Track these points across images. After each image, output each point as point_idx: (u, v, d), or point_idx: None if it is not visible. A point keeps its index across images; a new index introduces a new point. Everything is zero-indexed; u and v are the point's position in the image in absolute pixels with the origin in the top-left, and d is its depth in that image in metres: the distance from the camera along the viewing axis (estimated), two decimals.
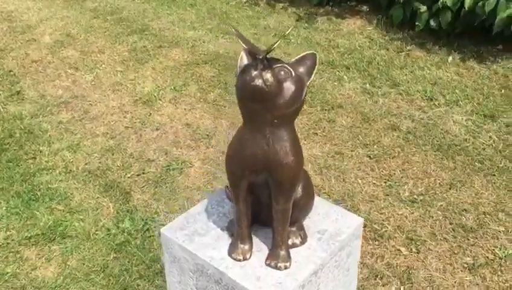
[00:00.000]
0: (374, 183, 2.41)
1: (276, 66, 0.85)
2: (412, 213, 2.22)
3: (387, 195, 2.33)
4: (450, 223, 2.16)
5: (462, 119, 2.83)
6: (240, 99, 0.90)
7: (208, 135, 2.83)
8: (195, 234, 1.16)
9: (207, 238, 1.14)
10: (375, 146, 2.65)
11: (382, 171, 2.48)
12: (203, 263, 1.07)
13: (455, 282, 1.91)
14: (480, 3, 3.33)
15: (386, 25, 4.02)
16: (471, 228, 2.13)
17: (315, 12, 4.37)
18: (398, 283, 1.91)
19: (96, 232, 2.23)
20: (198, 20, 4.32)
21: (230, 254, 1.08)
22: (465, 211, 2.21)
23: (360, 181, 2.42)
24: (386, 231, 2.13)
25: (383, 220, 2.19)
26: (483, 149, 2.59)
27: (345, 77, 3.33)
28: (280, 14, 4.42)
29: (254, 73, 0.83)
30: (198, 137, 2.82)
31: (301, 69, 0.92)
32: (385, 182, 2.41)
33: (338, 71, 3.40)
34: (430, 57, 3.55)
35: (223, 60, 3.59)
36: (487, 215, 2.18)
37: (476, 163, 2.49)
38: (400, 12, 3.88)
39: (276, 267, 1.03)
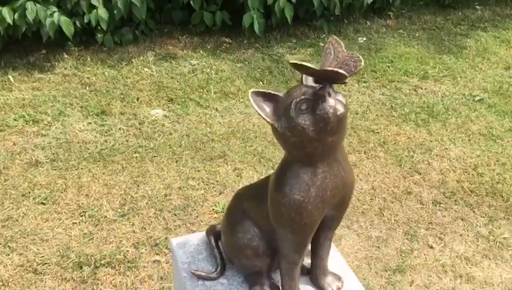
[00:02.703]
0: (74, 223, 2.16)
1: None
2: (132, 225, 2.17)
3: (96, 225, 2.16)
4: (160, 211, 2.24)
5: (84, 124, 2.81)
6: (321, 135, 0.74)
7: None
8: None
9: None
10: (38, 190, 2.31)
11: (70, 207, 2.23)
12: None
13: None
14: None
15: None
16: (179, 206, 2.28)
17: None
18: None
19: None
20: None
21: None
22: (166, 195, 2.34)
23: (68, 232, 2.12)
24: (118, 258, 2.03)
25: (117, 251, 2.06)
26: (113, 145, 2.71)
27: None
28: None
29: (332, 102, 0.69)
30: None
31: None
32: (82, 215, 2.20)
33: None
34: None
35: None
36: (174, 190, 2.39)
37: (131, 159, 2.60)
38: None
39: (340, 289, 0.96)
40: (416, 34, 4.18)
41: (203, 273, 1.05)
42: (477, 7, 4.88)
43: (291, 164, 0.86)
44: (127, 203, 2.29)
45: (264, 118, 0.83)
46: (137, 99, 3.08)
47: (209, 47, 3.78)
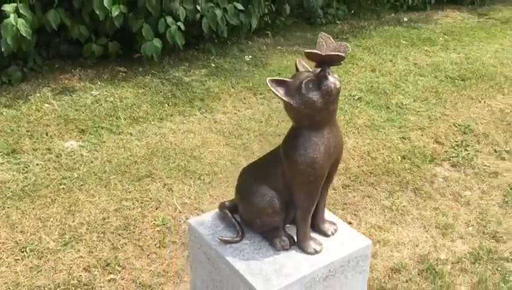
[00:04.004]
0: (16, 259, 2.13)
1: None
2: (78, 251, 2.20)
3: (40, 258, 2.15)
4: (103, 233, 2.30)
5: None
6: (327, 105, 1.00)
7: None
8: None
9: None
10: None
11: (7, 246, 2.19)
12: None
13: None
14: None
15: None
16: (120, 226, 2.36)
17: None
18: None
19: None
20: None
21: (313, 251, 1.20)
22: (104, 218, 2.39)
23: (12, 269, 2.07)
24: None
25: (69, 277, 2.08)
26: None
27: None
28: None
29: (332, 79, 0.93)
30: None
31: None
32: (23, 251, 2.17)
33: None
34: None
35: None
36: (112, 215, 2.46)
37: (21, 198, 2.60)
38: None
39: (336, 231, 1.28)
40: (294, 49, 4.67)
41: (228, 238, 1.23)
42: (338, 22, 5.57)
43: (302, 130, 1.12)
44: (66, 232, 2.30)
45: (280, 98, 1.07)
46: (47, 134, 3.06)
47: (105, 77, 3.85)
